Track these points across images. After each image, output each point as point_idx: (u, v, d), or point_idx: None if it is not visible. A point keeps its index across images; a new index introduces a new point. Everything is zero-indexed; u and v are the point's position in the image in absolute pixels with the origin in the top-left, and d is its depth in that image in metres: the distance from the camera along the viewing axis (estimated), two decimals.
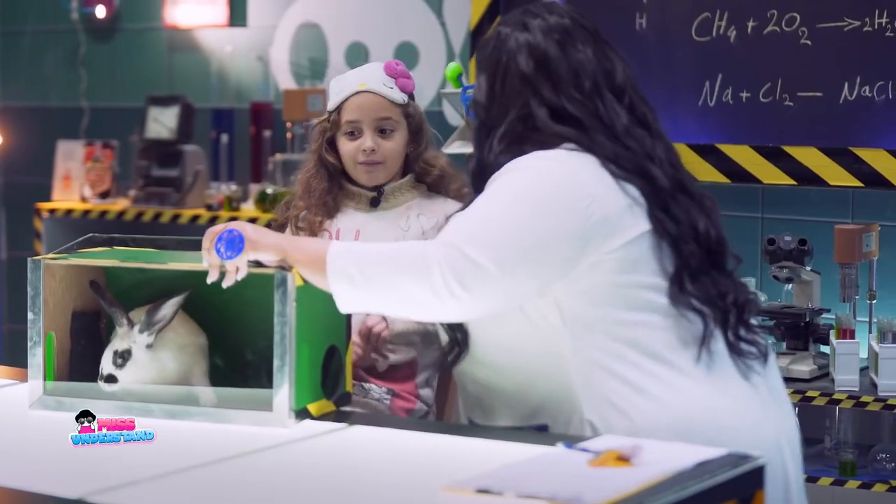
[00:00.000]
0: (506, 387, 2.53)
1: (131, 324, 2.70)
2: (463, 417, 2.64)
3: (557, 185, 2.42)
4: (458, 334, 2.53)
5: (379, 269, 2.37)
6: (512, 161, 2.47)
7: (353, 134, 3.19)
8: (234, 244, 2.49)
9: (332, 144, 3.23)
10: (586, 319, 2.44)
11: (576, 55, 2.53)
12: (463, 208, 2.53)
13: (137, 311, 2.80)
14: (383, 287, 2.37)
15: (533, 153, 2.47)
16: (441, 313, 2.39)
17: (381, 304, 2.42)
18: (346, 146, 3.20)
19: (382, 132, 3.19)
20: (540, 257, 2.38)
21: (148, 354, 2.70)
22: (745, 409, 2.47)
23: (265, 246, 2.50)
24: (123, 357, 2.69)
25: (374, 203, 3.21)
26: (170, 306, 2.70)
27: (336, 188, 3.22)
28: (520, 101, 2.51)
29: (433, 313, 2.39)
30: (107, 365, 2.70)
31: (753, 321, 2.57)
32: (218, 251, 2.51)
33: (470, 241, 2.34)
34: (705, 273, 2.49)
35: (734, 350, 2.50)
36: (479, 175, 2.52)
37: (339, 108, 3.21)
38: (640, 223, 2.45)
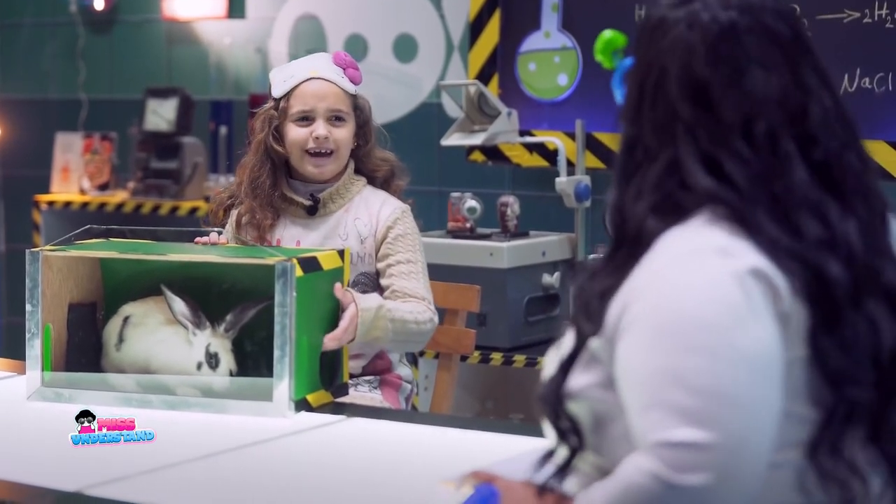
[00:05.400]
0: None
1: (212, 324, 2.73)
2: None
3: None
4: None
5: None
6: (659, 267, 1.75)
7: (304, 121, 3.07)
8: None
9: (276, 135, 3.09)
10: None
11: (753, 83, 1.77)
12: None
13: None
14: None
15: (678, 257, 1.74)
16: None
17: None
18: (295, 133, 3.07)
19: (334, 121, 3.08)
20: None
21: (228, 351, 2.74)
22: None
23: None
24: (216, 358, 2.72)
25: (311, 211, 3.10)
26: (254, 311, 2.73)
27: (281, 186, 3.11)
28: (669, 140, 1.77)
29: None
30: (204, 360, 2.73)
31: None
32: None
33: (675, 423, 1.68)
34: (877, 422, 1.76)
35: None
36: (620, 229, 1.80)
37: (287, 95, 3.09)
38: (792, 348, 1.75)
